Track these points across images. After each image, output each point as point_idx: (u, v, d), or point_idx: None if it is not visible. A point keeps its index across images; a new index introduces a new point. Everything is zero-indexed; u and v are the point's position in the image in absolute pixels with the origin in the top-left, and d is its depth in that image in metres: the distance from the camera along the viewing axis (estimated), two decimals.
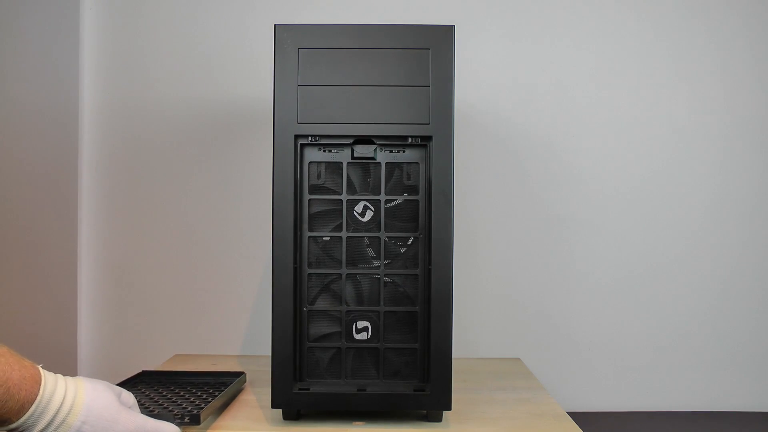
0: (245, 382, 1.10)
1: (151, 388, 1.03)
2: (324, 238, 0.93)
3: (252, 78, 1.39)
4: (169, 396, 0.98)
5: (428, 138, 0.91)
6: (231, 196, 1.40)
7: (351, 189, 0.93)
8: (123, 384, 1.02)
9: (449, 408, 0.91)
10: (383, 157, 0.93)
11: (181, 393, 1.00)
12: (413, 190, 0.93)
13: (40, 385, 0.70)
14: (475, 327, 1.40)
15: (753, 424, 1.30)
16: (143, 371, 1.10)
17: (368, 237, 0.93)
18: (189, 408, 0.90)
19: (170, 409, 0.90)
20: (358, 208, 0.93)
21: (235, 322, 1.40)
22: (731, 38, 1.39)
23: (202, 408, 0.89)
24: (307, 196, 0.93)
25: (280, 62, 0.91)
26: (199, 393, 1.00)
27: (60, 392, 0.71)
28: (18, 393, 0.67)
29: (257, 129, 1.39)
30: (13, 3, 1.16)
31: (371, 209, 0.93)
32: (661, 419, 1.31)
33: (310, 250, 0.93)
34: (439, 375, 0.91)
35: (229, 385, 1.04)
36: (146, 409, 0.90)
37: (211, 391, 1.01)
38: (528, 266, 1.40)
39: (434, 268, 0.91)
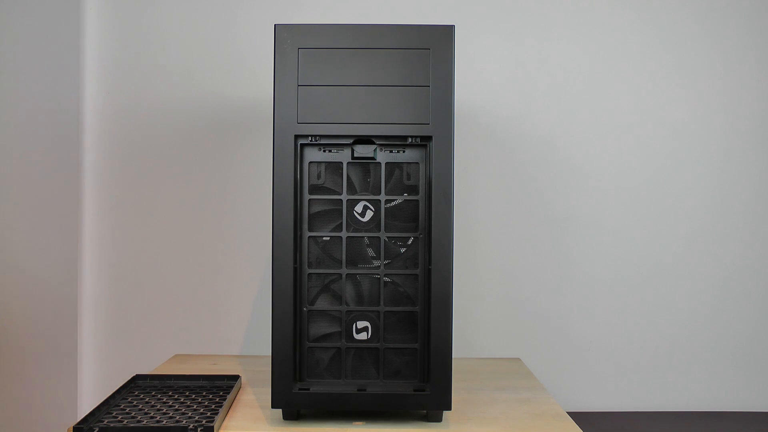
0: (240, 387, 1.11)
1: (148, 394, 1.03)
2: (324, 238, 0.93)
3: (252, 78, 1.39)
4: (169, 402, 0.99)
5: (428, 138, 0.91)
6: (231, 196, 1.40)
7: (351, 189, 0.93)
8: (118, 392, 1.02)
9: (449, 408, 0.91)
10: (383, 157, 0.93)
11: (181, 399, 1.01)
12: (413, 190, 0.93)
13: None
14: (475, 327, 1.40)
15: (753, 424, 1.30)
16: (136, 375, 1.10)
17: (368, 237, 0.93)
18: (195, 417, 0.91)
19: (176, 418, 0.90)
20: (358, 208, 0.93)
21: (235, 322, 1.40)
22: (732, 38, 1.39)
23: (209, 417, 0.91)
24: (307, 196, 0.93)
25: (280, 62, 0.91)
26: (198, 399, 1.01)
27: None
28: None
29: (257, 129, 1.39)
30: (14, 3, 1.16)
31: (371, 209, 0.93)
32: (661, 419, 1.31)
33: (310, 250, 0.93)
34: (439, 375, 0.91)
35: (227, 390, 1.05)
36: (152, 419, 0.90)
37: (210, 396, 1.02)
38: (528, 266, 1.40)
39: (434, 268, 0.91)
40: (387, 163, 0.93)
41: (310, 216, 0.93)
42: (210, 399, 1.01)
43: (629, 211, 1.40)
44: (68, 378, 1.35)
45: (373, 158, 0.93)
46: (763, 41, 1.39)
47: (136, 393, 1.04)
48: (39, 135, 1.25)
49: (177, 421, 0.89)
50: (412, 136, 0.91)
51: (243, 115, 1.39)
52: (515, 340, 1.40)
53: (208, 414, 0.93)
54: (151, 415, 0.92)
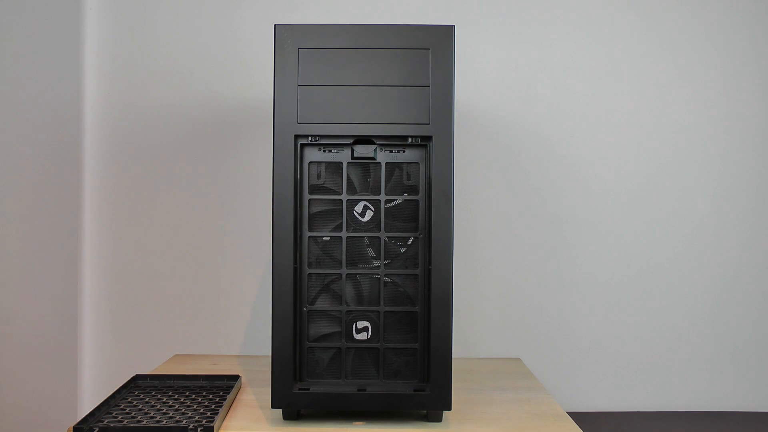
0: (240, 387, 1.11)
1: (148, 394, 1.03)
2: (324, 238, 0.93)
3: (252, 78, 1.39)
4: (169, 402, 0.99)
5: (428, 138, 0.91)
6: (231, 196, 1.40)
7: (351, 189, 0.93)
8: (118, 392, 1.02)
9: (449, 408, 0.91)
10: (383, 157, 0.93)
11: (181, 399, 1.01)
12: (413, 190, 0.93)
13: None
14: (475, 327, 1.40)
15: (753, 424, 1.30)
16: (136, 375, 1.10)
17: (368, 237, 0.93)
18: (195, 417, 0.91)
19: (176, 418, 0.90)
20: (358, 208, 0.93)
21: (235, 322, 1.40)
22: (731, 38, 1.39)
23: (209, 417, 0.91)
24: (307, 196, 0.93)
25: (280, 62, 0.91)
26: (198, 399, 1.01)
27: None
28: None
29: (257, 129, 1.39)
30: (14, 3, 1.16)
31: (371, 209, 0.93)
32: (661, 419, 1.31)
33: (310, 250, 0.93)
34: (439, 375, 0.91)
35: (227, 390, 1.06)
36: (152, 419, 0.90)
37: (210, 396, 1.02)
38: (528, 266, 1.40)
39: (434, 268, 0.91)
40: (387, 163, 0.93)
41: (310, 216, 0.93)
42: (210, 399, 1.01)
43: (630, 211, 1.40)
44: (68, 378, 1.35)
45: (373, 158, 0.93)
46: (763, 41, 1.39)
47: (136, 393, 1.04)
48: (39, 135, 1.25)
49: (177, 421, 0.89)
50: (412, 136, 0.91)
51: (243, 115, 1.39)
52: (515, 340, 1.40)
53: (208, 414, 0.93)
54: (151, 415, 0.92)
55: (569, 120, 1.39)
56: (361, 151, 0.92)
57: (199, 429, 0.86)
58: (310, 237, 0.93)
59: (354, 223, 0.93)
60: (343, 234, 0.93)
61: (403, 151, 0.93)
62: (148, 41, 1.40)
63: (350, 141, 0.92)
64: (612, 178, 1.40)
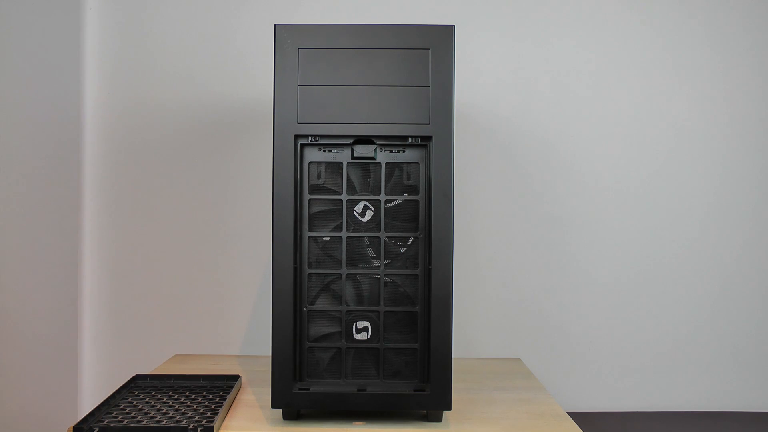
0: (240, 387, 1.11)
1: (148, 394, 1.03)
2: (324, 238, 0.93)
3: (252, 78, 1.39)
4: (169, 402, 0.99)
5: (428, 138, 0.91)
6: (231, 196, 1.40)
7: (351, 189, 0.93)
8: (118, 392, 1.02)
9: (449, 408, 0.91)
10: (383, 157, 0.93)
11: (181, 399, 1.01)
12: (413, 190, 0.93)
13: None
14: (475, 327, 1.40)
15: (753, 424, 1.30)
16: (136, 375, 1.10)
17: (368, 237, 0.93)
18: (195, 417, 0.91)
19: (176, 418, 0.90)
20: (358, 208, 0.93)
21: (235, 322, 1.40)
22: (731, 38, 1.39)
23: (209, 417, 0.91)
24: (307, 196, 0.93)
25: (280, 62, 0.91)
26: (198, 399, 1.01)
27: None
28: None
29: (257, 129, 1.39)
30: (14, 3, 1.16)
31: (371, 209, 0.93)
32: (661, 419, 1.31)
33: (310, 250, 0.93)
34: (439, 375, 0.91)
35: (227, 390, 1.06)
36: (152, 419, 0.90)
37: (210, 396, 1.02)
38: (528, 266, 1.40)
39: (434, 268, 0.91)
40: (387, 163, 0.93)
41: (310, 216, 0.93)
42: (210, 399, 1.01)
43: (630, 211, 1.40)
44: (68, 378, 1.35)
45: (373, 158, 0.93)
46: (763, 41, 1.39)
47: (136, 393, 1.04)
48: (39, 135, 1.25)
49: (177, 421, 0.89)
50: (412, 136, 0.91)
51: (243, 115, 1.39)
52: (515, 340, 1.40)
53: (208, 414, 0.93)
54: (151, 415, 0.92)
55: (569, 120, 1.39)
56: (361, 151, 0.92)
57: (199, 429, 0.86)
58: (310, 237, 0.93)
59: (354, 223, 0.93)
60: (343, 234, 0.93)
61: (403, 151, 0.93)
62: (148, 41, 1.40)
63: (350, 141, 0.92)
64: (612, 178, 1.40)
